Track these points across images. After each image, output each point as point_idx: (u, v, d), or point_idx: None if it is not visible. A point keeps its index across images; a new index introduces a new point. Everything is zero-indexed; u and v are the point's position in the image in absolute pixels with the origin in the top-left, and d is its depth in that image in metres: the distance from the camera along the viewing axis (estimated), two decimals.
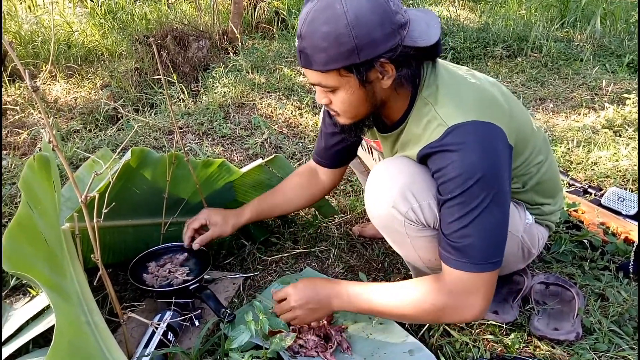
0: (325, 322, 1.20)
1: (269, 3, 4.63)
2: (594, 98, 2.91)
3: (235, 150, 2.38)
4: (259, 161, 1.58)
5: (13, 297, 1.33)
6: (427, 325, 1.23)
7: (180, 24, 3.92)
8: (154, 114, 2.81)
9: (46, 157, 1.12)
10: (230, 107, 2.84)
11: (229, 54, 3.83)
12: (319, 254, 1.59)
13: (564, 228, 1.63)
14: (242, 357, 1.05)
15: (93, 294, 1.05)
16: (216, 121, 2.65)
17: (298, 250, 1.60)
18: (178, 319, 1.19)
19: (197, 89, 3.26)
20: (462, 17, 4.70)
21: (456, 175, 0.91)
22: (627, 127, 2.39)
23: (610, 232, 1.58)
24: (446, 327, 1.23)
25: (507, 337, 1.20)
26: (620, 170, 2.02)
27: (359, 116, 1.03)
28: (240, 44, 3.78)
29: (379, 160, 1.46)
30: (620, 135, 2.35)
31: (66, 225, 1.18)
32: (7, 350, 1.01)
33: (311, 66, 0.92)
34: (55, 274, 0.96)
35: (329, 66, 0.90)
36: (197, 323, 1.26)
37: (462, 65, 1.16)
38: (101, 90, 3.13)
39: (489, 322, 1.24)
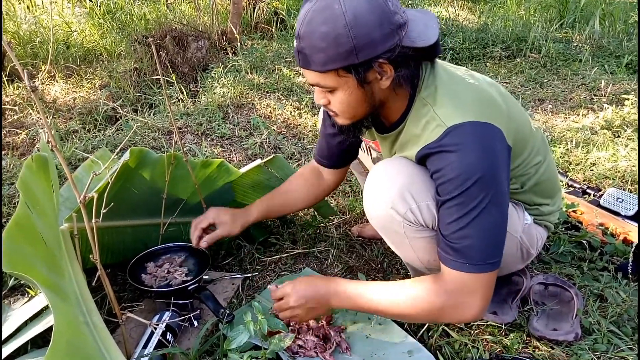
0: (325, 322, 1.20)
1: (268, 3, 4.63)
2: (593, 99, 2.91)
3: (234, 150, 2.38)
4: (258, 161, 1.58)
5: (12, 298, 1.33)
6: (426, 325, 1.23)
7: (179, 24, 3.92)
8: (153, 114, 2.81)
9: (44, 157, 1.12)
10: (229, 108, 2.84)
11: (228, 54, 3.83)
12: (318, 255, 1.59)
13: (563, 229, 1.63)
14: (241, 358, 1.05)
15: (92, 295, 1.05)
16: (215, 121, 2.65)
17: (297, 251, 1.60)
18: (177, 319, 1.19)
19: (196, 89, 3.26)
20: (461, 17, 4.71)
21: (455, 176, 0.91)
22: (625, 128, 2.39)
23: (609, 232, 1.58)
24: (445, 328, 1.23)
25: (506, 338, 1.20)
26: (619, 171, 2.03)
27: (358, 117, 1.03)
28: (239, 44, 3.78)
29: (376, 159, 1.46)
30: (619, 136, 2.36)
31: (65, 226, 1.18)
32: (6, 351, 1.01)
33: (309, 66, 0.92)
34: (54, 274, 0.96)
35: (327, 66, 0.90)
36: (196, 323, 1.26)
37: (461, 65, 1.16)
38: (100, 90, 3.13)
39: (488, 323, 1.24)
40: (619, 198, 1.63)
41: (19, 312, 1.18)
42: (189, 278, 1.32)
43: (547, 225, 1.25)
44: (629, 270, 1.41)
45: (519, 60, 3.67)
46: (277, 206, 1.43)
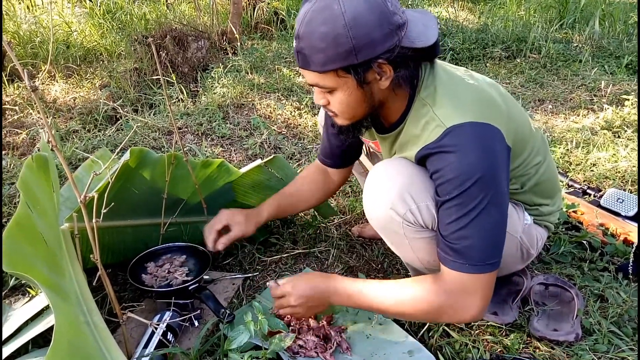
0: (325, 322, 1.20)
1: (268, 3, 4.63)
2: (593, 99, 2.91)
3: (234, 150, 2.38)
4: (258, 162, 1.58)
5: (12, 297, 1.33)
6: (427, 325, 1.23)
7: (179, 24, 3.92)
8: (153, 114, 2.81)
9: (45, 157, 1.12)
10: (229, 108, 2.84)
11: (228, 54, 3.83)
12: (319, 255, 1.59)
13: (563, 229, 1.63)
14: (242, 358, 1.05)
15: (92, 294, 1.05)
16: (215, 121, 2.65)
17: (297, 251, 1.60)
18: (177, 319, 1.19)
19: (196, 89, 3.26)
20: (461, 18, 4.71)
21: (454, 177, 0.91)
22: (626, 128, 2.40)
23: (609, 233, 1.58)
24: (446, 328, 1.23)
25: (506, 338, 1.20)
26: (619, 172, 2.03)
27: (357, 117, 1.03)
28: (239, 44, 3.78)
29: (372, 159, 1.47)
30: (619, 137, 2.36)
31: (65, 226, 1.18)
32: (7, 351, 1.00)
33: (309, 67, 0.93)
34: (55, 274, 0.96)
35: (326, 67, 0.90)
36: (196, 323, 1.26)
37: (461, 66, 1.16)
38: (100, 90, 3.13)
39: (489, 323, 1.24)
40: (619, 198, 1.63)
41: (19, 311, 1.18)
42: (189, 278, 1.32)
43: (547, 225, 1.25)
44: (630, 271, 1.41)
45: (519, 60, 3.68)
46: (286, 206, 1.42)
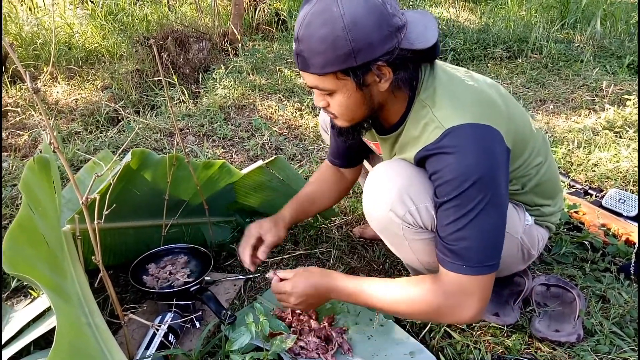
0: (326, 323, 1.20)
1: (270, 4, 4.63)
2: (595, 99, 2.91)
3: (235, 151, 2.38)
4: (260, 163, 1.58)
5: (14, 299, 1.34)
6: (428, 326, 1.23)
7: (181, 25, 3.93)
8: (155, 116, 2.81)
9: (46, 158, 1.12)
10: (230, 109, 2.84)
11: (229, 55, 3.84)
12: (320, 256, 1.59)
13: (565, 229, 1.63)
14: (243, 359, 1.05)
15: (94, 296, 1.05)
16: (217, 123, 2.65)
17: (299, 252, 1.60)
18: (179, 320, 1.19)
19: (197, 90, 3.27)
20: (462, 18, 4.71)
21: (452, 178, 0.91)
22: (627, 129, 2.39)
23: (611, 233, 1.58)
24: (447, 329, 1.23)
25: (508, 339, 1.20)
26: (620, 172, 2.02)
27: (357, 119, 1.03)
28: (240, 45, 3.79)
29: (372, 160, 1.47)
30: (620, 137, 2.35)
31: (67, 227, 1.18)
32: (9, 352, 1.01)
33: (308, 69, 0.93)
34: (56, 275, 0.96)
35: (326, 69, 0.90)
36: (197, 325, 1.26)
37: (462, 66, 1.16)
38: (102, 91, 3.14)
39: (490, 324, 1.24)
40: (620, 199, 1.63)
41: (21, 313, 1.18)
42: (191, 279, 1.32)
43: (548, 226, 1.24)
44: (631, 271, 1.41)
45: (520, 60, 3.67)
46: (305, 206, 1.40)
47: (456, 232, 0.93)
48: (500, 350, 1.18)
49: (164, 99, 3.01)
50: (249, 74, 3.35)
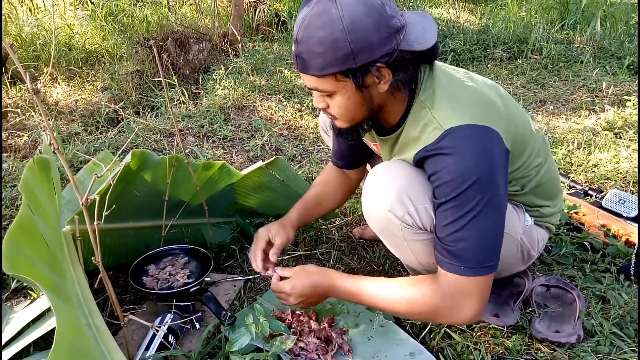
0: (326, 324, 1.20)
1: (269, 5, 4.63)
2: (594, 100, 2.91)
3: (235, 152, 2.38)
4: (260, 163, 1.58)
5: (14, 300, 1.34)
6: (428, 327, 1.23)
7: (181, 26, 3.93)
8: (155, 117, 2.81)
9: (46, 159, 1.12)
10: (230, 110, 2.84)
11: (229, 56, 3.84)
12: (320, 257, 1.59)
13: (565, 230, 1.63)
14: None
15: (94, 297, 1.05)
16: (217, 123, 2.65)
17: (299, 253, 1.60)
18: (179, 321, 1.19)
19: (197, 91, 3.27)
20: (462, 19, 4.71)
21: (451, 179, 0.91)
22: (627, 129, 2.39)
23: (611, 234, 1.58)
24: (447, 330, 1.23)
25: (508, 340, 1.20)
26: (620, 172, 2.02)
27: (356, 120, 1.03)
28: (240, 46, 3.79)
29: (371, 161, 1.47)
30: (620, 137, 2.35)
31: (67, 228, 1.18)
32: (9, 353, 1.01)
33: (308, 71, 0.93)
34: (56, 276, 0.96)
35: (325, 71, 0.90)
36: (197, 326, 1.26)
37: (462, 67, 1.16)
38: (102, 92, 3.14)
39: (490, 325, 1.24)
40: (620, 199, 1.63)
41: (21, 314, 1.18)
42: (190, 280, 1.32)
43: (548, 226, 1.24)
44: (631, 272, 1.40)
45: (520, 61, 3.67)
46: (311, 208, 1.39)
47: (454, 233, 0.93)
48: (501, 351, 1.18)
49: (164, 100, 3.01)
50: (249, 75, 3.35)
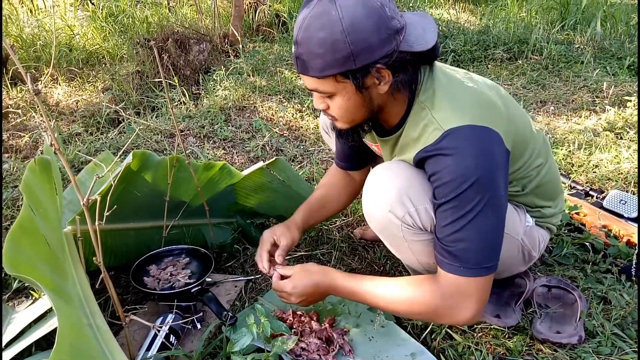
0: (327, 325, 1.20)
1: (270, 6, 4.64)
2: (595, 100, 2.91)
3: (236, 153, 2.39)
4: (260, 164, 1.59)
5: (15, 300, 1.34)
6: (429, 328, 1.23)
7: (181, 27, 3.93)
8: (155, 117, 2.81)
9: (47, 160, 1.12)
10: (231, 110, 2.84)
11: (229, 57, 3.84)
12: (321, 257, 1.59)
13: (566, 231, 1.63)
14: None
15: (95, 297, 1.05)
16: (217, 124, 2.66)
17: (300, 253, 1.60)
18: (180, 321, 1.19)
19: (198, 92, 3.27)
20: (462, 19, 4.71)
21: (451, 179, 0.91)
22: (628, 130, 2.39)
23: (612, 234, 1.58)
24: (448, 330, 1.23)
25: (509, 341, 1.20)
26: (621, 173, 2.02)
27: (356, 121, 1.03)
28: (241, 46, 3.79)
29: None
30: (621, 138, 2.35)
31: (68, 228, 1.18)
32: (10, 354, 1.01)
33: (307, 72, 0.93)
34: (58, 276, 0.96)
35: (325, 72, 0.91)
36: (199, 326, 1.26)
37: (462, 67, 1.17)
38: (102, 93, 3.14)
39: (492, 326, 1.24)
40: (621, 200, 1.63)
41: (22, 314, 1.18)
42: (192, 280, 1.32)
43: (549, 227, 1.24)
44: (633, 273, 1.40)
45: (520, 62, 3.67)
46: (316, 210, 1.38)
47: (454, 233, 0.93)
48: (502, 352, 1.18)
49: (165, 101, 3.02)
50: (249, 76, 3.36)
